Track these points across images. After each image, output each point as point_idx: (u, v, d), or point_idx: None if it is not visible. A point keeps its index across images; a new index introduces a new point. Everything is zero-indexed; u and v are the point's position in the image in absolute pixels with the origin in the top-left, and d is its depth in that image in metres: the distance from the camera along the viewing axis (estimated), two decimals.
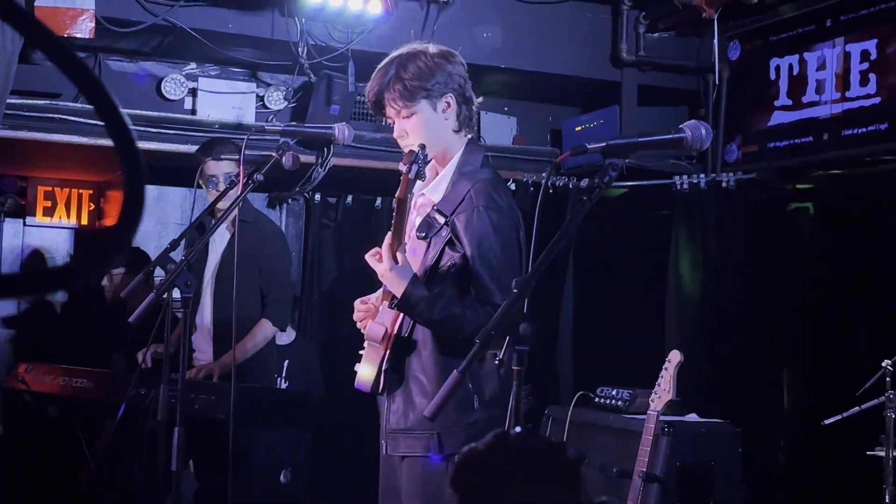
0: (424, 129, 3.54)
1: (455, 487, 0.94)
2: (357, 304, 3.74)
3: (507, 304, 2.59)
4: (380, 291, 3.62)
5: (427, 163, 3.42)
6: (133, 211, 0.82)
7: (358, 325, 3.69)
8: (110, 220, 8.06)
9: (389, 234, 3.43)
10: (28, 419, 6.14)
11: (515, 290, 2.60)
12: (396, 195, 3.41)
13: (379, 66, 3.65)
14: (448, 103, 3.59)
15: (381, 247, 3.40)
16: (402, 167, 3.42)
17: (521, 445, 0.93)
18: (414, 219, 3.60)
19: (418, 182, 3.59)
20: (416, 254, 3.52)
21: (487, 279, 3.41)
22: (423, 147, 3.40)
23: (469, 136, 3.71)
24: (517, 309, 2.59)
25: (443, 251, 3.45)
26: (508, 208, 3.55)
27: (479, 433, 3.18)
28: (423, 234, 3.47)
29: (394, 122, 3.64)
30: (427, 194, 3.58)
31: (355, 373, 3.68)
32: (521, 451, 0.93)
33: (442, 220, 3.43)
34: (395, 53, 3.67)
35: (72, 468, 5.88)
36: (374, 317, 3.60)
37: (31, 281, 0.82)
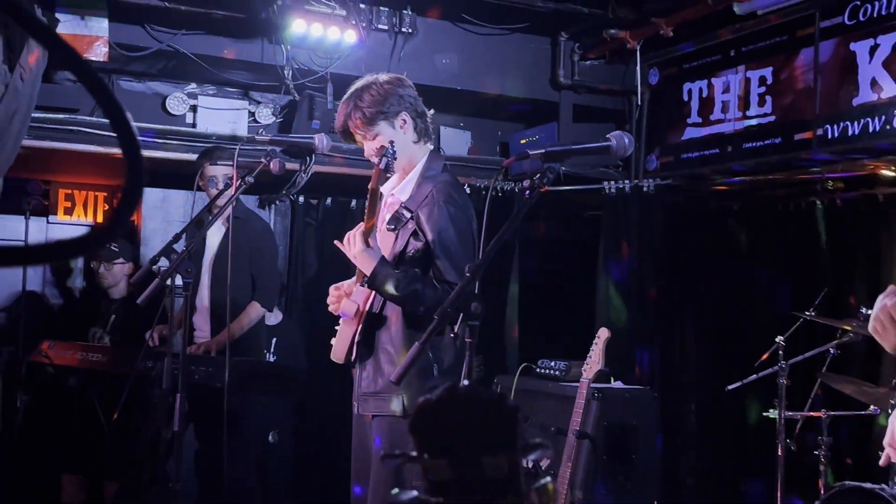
0: (393, 138, 3.57)
1: (413, 432, 0.93)
2: (331, 290, 3.75)
3: (462, 286, 2.61)
4: (353, 279, 3.63)
5: (395, 157, 3.43)
6: (132, 195, 0.81)
7: (331, 307, 3.70)
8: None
9: (363, 222, 3.45)
10: (50, 389, 6.07)
11: (468, 274, 2.61)
12: (369, 185, 3.43)
13: (340, 102, 3.71)
14: (404, 120, 3.60)
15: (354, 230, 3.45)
16: (375, 159, 3.48)
17: (467, 395, 0.92)
18: (384, 214, 3.60)
19: (388, 184, 3.62)
20: (386, 243, 3.53)
21: (445, 262, 3.43)
22: (392, 143, 3.45)
23: (430, 145, 3.72)
24: (470, 290, 2.61)
25: (409, 241, 3.47)
26: (464, 205, 3.58)
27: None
28: (392, 227, 3.50)
29: (365, 152, 3.66)
30: (396, 194, 3.61)
31: (332, 346, 3.70)
32: (468, 400, 0.92)
33: (408, 214, 3.46)
34: (351, 88, 3.71)
35: (91, 431, 5.82)
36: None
37: (51, 249, 0.82)
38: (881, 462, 2.40)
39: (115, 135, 0.82)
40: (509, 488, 0.94)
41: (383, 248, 3.52)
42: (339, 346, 3.62)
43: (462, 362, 2.65)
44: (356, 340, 3.59)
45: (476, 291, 2.60)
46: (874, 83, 5.34)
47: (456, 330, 2.58)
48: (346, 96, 3.68)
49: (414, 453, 0.95)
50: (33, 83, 5.47)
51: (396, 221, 3.48)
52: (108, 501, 5.94)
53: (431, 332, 2.55)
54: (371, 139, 3.59)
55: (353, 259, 3.48)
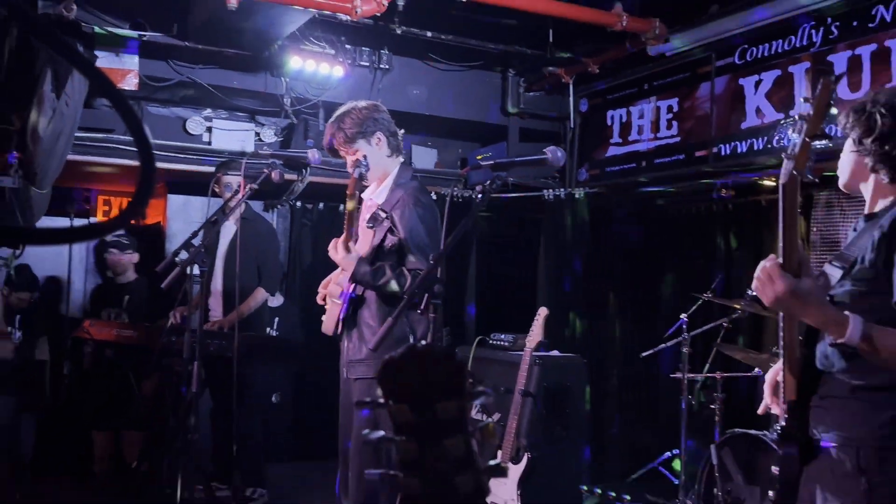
0: (369, 152, 3.58)
1: (380, 383, 0.94)
2: (320, 288, 3.79)
3: (427, 272, 2.62)
4: (338, 270, 3.65)
5: (368, 168, 3.46)
6: (144, 194, 0.82)
7: (318, 299, 3.73)
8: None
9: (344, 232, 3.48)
10: (91, 360, 6.02)
11: (432, 261, 2.62)
12: (347, 191, 3.47)
13: (327, 124, 3.74)
14: (379, 139, 3.61)
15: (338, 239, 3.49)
16: (351, 169, 3.52)
17: (424, 352, 0.93)
18: (365, 215, 3.61)
19: (367, 191, 3.65)
20: (367, 238, 3.53)
21: (416, 254, 3.44)
22: (364, 157, 3.48)
23: (401, 159, 3.73)
24: (433, 275, 2.61)
25: (386, 236, 3.47)
26: (430, 205, 3.60)
27: None
28: (371, 225, 3.50)
29: (347, 164, 3.66)
30: (374, 199, 3.62)
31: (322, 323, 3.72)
32: (424, 356, 0.93)
33: (384, 215, 3.47)
34: (336, 113, 3.73)
35: (123, 394, 5.81)
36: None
37: (75, 232, 0.83)
38: (759, 411, 2.42)
39: (136, 148, 0.83)
40: (458, 428, 0.95)
41: (364, 243, 3.53)
42: (329, 322, 3.64)
43: (432, 332, 2.68)
44: (342, 317, 3.59)
45: (439, 276, 2.60)
46: (758, 111, 5.42)
47: (422, 307, 2.58)
48: (331, 119, 3.70)
49: (381, 401, 0.96)
50: (76, 108, 5.41)
51: (374, 220, 3.49)
52: (129, 450, 5.94)
53: (402, 308, 2.56)
54: (352, 154, 3.59)
55: (338, 262, 3.50)
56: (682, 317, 4.93)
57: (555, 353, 5.46)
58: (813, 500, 2.17)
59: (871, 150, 2.15)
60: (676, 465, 5.29)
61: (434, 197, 6.85)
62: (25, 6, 4.88)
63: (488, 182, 2.78)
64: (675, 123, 6.04)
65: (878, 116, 2.14)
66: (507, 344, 5.47)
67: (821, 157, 2.25)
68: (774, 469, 2.19)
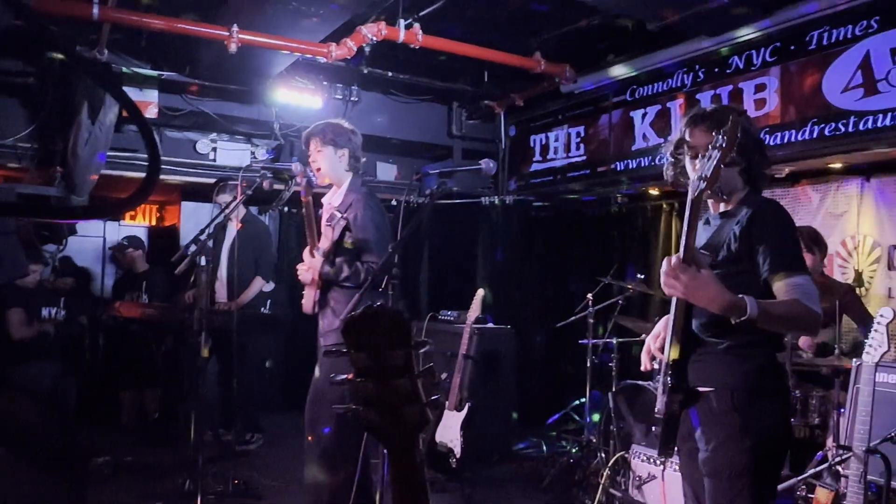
0: (327, 162, 3.50)
1: (343, 334, 0.95)
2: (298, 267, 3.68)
3: (387, 258, 2.58)
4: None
5: (311, 184, 3.48)
6: (145, 192, 0.82)
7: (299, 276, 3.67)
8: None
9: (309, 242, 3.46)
10: (120, 334, 5.92)
11: (391, 250, 2.59)
12: (302, 199, 3.46)
13: (319, 123, 3.65)
14: (343, 154, 3.51)
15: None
16: (301, 181, 3.50)
17: (378, 311, 0.94)
18: (325, 216, 3.52)
19: (327, 196, 3.62)
20: (328, 234, 3.45)
21: (369, 249, 3.35)
22: (318, 169, 3.50)
23: (354, 173, 3.62)
24: (391, 261, 2.59)
25: (343, 233, 3.40)
26: (378, 208, 3.50)
27: None
28: (330, 224, 3.40)
29: (310, 156, 3.58)
30: (332, 203, 3.52)
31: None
32: (378, 313, 0.94)
33: (339, 215, 3.37)
34: (330, 119, 3.67)
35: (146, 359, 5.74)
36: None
37: (82, 211, 0.84)
38: (642, 368, 2.43)
39: (148, 153, 0.83)
40: (405, 371, 0.96)
41: (325, 238, 3.45)
42: (307, 303, 3.61)
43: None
44: (315, 299, 3.57)
45: (396, 261, 2.58)
46: (644, 136, 5.53)
47: (382, 287, 2.57)
48: (324, 122, 3.65)
49: (345, 349, 0.97)
50: (108, 132, 5.34)
51: (332, 219, 3.41)
52: (150, 405, 5.86)
53: (366, 288, 2.54)
54: (317, 152, 3.52)
55: (308, 265, 3.46)
56: (588, 296, 4.98)
57: (489, 325, 5.49)
58: (691, 433, 2.18)
59: (735, 161, 2.18)
60: (581, 411, 5.35)
61: (394, 203, 6.93)
62: (74, 49, 4.76)
63: (436, 187, 2.78)
64: (582, 146, 6.12)
65: (749, 132, 2.19)
66: (452, 318, 5.48)
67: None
68: (657, 411, 2.13)
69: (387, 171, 6.89)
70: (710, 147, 2.01)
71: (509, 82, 6.34)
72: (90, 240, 7.19)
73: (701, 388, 2.10)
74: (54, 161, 5.42)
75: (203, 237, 3.68)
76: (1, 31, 4.47)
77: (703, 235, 2.26)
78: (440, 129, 6.82)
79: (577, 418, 5.63)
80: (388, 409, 0.95)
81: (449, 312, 5.61)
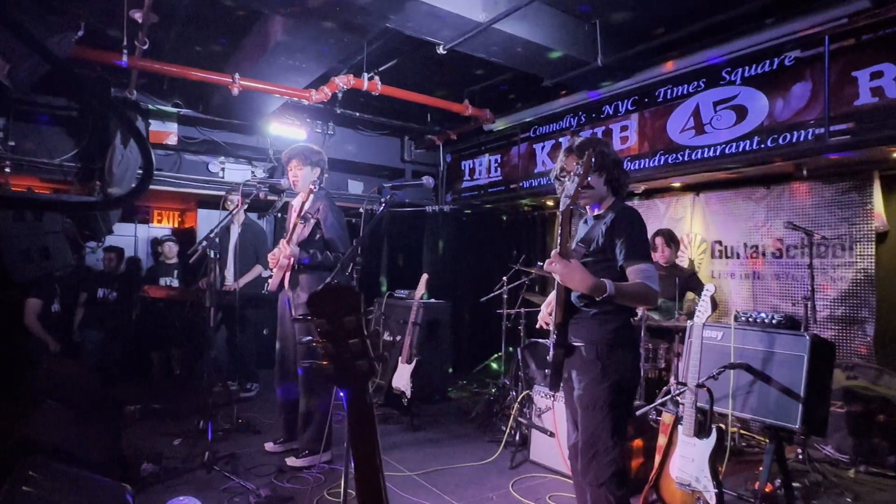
0: (303, 178, 3.42)
1: (308, 305, 0.90)
2: (269, 256, 3.57)
3: (353, 249, 2.51)
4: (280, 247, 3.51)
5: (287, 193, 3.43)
6: (141, 190, 0.76)
7: (270, 264, 3.55)
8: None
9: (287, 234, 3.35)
10: (149, 308, 5.64)
11: (355, 244, 2.52)
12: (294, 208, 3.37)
13: (301, 144, 3.56)
14: (318, 170, 3.45)
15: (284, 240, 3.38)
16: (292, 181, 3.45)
17: (336, 287, 0.90)
18: (293, 214, 3.44)
19: (297, 200, 3.53)
20: (299, 230, 3.36)
21: (336, 244, 3.30)
22: (293, 182, 3.43)
23: (321, 185, 3.55)
24: (355, 251, 2.52)
25: (313, 230, 3.32)
26: (339, 212, 3.44)
27: None
28: (303, 222, 3.32)
29: (291, 171, 3.48)
30: (304, 206, 3.44)
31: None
32: (336, 289, 0.90)
33: (310, 216, 3.29)
34: (310, 145, 3.58)
35: (169, 327, 5.48)
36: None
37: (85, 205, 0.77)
38: (537, 326, 2.44)
39: (142, 159, 0.76)
40: (357, 333, 0.92)
41: (298, 234, 3.36)
42: (274, 282, 3.51)
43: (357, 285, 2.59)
44: (287, 279, 3.44)
45: (359, 252, 2.52)
46: (543, 163, 5.58)
47: (349, 271, 2.50)
48: (302, 145, 3.56)
49: (310, 317, 0.92)
50: (137, 155, 5.06)
51: (304, 219, 3.33)
52: (174, 363, 5.63)
53: (337, 271, 2.46)
54: (298, 169, 3.45)
55: (286, 253, 3.37)
56: (504, 278, 4.99)
57: (432, 300, 5.47)
58: (570, 376, 2.19)
59: (605, 175, 2.20)
60: (498, 362, 5.40)
61: (361, 210, 6.81)
62: (99, 89, 4.47)
63: (389, 196, 2.72)
64: (499, 169, 6.15)
65: (606, 154, 2.21)
66: (404, 296, 5.43)
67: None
68: (548, 359, 2.19)
69: (355, 187, 6.76)
70: (572, 173, 2.05)
71: (446, 122, 6.31)
72: (125, 238, 6.83)
73: (575, 343, 2.14)
74: (94, 177, 5.12)
75: (211, 235, 3.52)
76: (46, 77, 4.18)
77: (583, 231, 2.28)
78: (395, 156, 6.73)
79: (496, 367, 5.66)
80: (344, 363, 0.91)
81: (402, 291, 5.56)
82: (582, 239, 2.24)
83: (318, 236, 3.39)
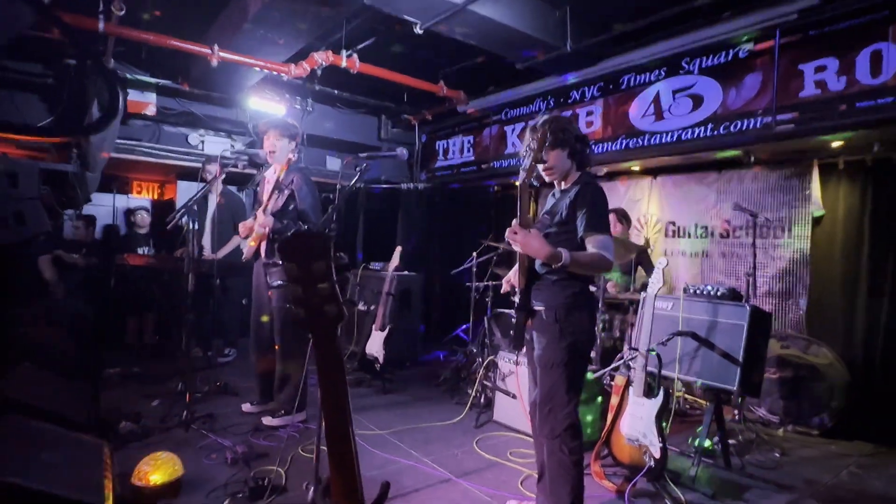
0: (281, 149, 3.35)
1: (280, 252, 0.88)
2: (241, 226, 3.51)
3: (327, 216, 2.47)
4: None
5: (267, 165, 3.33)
6: (109, 117, 0.72)
7: (241, 233, 3.48)
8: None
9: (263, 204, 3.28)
10: (128, 275, 5.49)
11: (330, 210, 2.48)
12: (262, 177, 3.33)
13: (279, 118, 3.47)
14: (294, 143, 3.39)
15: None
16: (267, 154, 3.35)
17: (305, 233, 0.88)
18: (267, 187, 3.38)
19: (269, 171, 3.44)
20: (273, 200, 3.31)
21: (309, 214, 3.24)
22: (269, 153, 3.33)
23: (295, 156, 3.48)
24: (329, 219, 2.48)
25: (286, 201, 3.26)
26: (313, 184, 3.38)
27: None
28: (276, 193, 3.26)
29: (267, 141, 3.40)
30: (277, 178, 3.38)
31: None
32: (306, 234, 0.88)
33: (283, 186, 3.24)
34: (288, 120, 3.48)
35: (148, 295, 5.33)
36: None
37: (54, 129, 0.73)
38: (501, 291, 2.47)
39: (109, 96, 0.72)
40: (326, 278, 0.91)
41: (273, 205, 3.31)
42: (249, 251, 3.46)
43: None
44: (265, 248, 3.38)
45: (334, 220, 2.48)
46: (513, 144, 5.57)
47: None
48: (283, 120, 3.47)
49: (281, 262, 0.90)
50: (115, 124, 4.84)
51: (279, 190, 3.28)
52: (149, 328, 5.50)
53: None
54: (276, 140, 3.36)
55: (261, 222, 3.31)
56: (473, 254, 4.99)
57: (405, 272, 5.46)
58: (531, 339, 2.23)
59: (568, 150, 2.21)
60: (467, 331, 5.44)
61: (339, 186, 6.72)
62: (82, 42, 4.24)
63: (364, 165, 2.68)
64: (472, 149, 6.11)
65: (568, 130, 2.22)
66: (378, 268, 5.41)
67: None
68: (513, 321, 2.26)
69: (333, 164, 6.64)
70: (527, 148, 2.07)
71: (422, 102, 6.22)
72: (103, 207, 6.58)
73: (537, 307, 2.18)
74: (71, 144, 4.89)
75: (189, 204, 3.42)
76: (27, 40, 3.93)
77: (550, 203, 2.31)
78: (372, 134, 6.61)
79: (464, 336, 5.71)
80: (313, 307, 0.89)
81: (376, 263, 5.53)
82: (548, 211, 2.27)
83: (291, 207, 3.33)
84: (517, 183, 2.08)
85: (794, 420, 3.73)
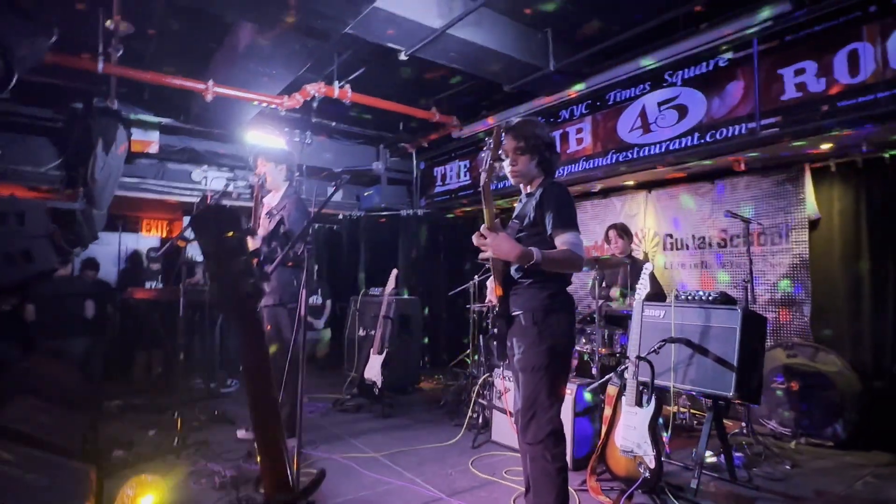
0: (272, 174, 3.42)
1: (192, 226, 0.89)
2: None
3: (304, 228, 2.48)
4: None
5: (263, 183, 3.40)
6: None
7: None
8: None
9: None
10: (133, 308, 5.56)
11: (306, 224, 2.49)
12: (253, 194, 3.35)
13: (263, 147, 3.55)
14: (283, 168, 3.45)
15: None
16: (256, 179, 3.40)
17: (215, 206, 0.89)
18: (264, 211, 3.42)
19: (268, 198, 3.51)
20: (265, 225, 3.36)
21: (294, 232, 3.26)
22: (265, 174, 3.39)
23: (289, 182, 3.54)
24: (307, 231, 2.49)
25: (277, 226, 3.29)
26: (305, 209, 3.41)
27: (295, 291, 3.09)
28: (269, 217, 3.31)
29: (258, 168, 3.47)
30: (272, 203, 3.44)
31: None
32: (215, 208, 0.89)
33: (276, 211, 3.29)
34: (278, 147, 3.57)
35: (151, 328, 5.37)
36: None
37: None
38: (486, 302, 2.46)
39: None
40: (239, 252, 0.92)
41: (263, 227, 3.37)
42: None
43: (304, 266, 2.53)
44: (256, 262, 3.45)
45: (310, 234, 2.50)
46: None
47: (300, 252, 2.46)
48: (268, 147, 3.58)
49: (193, 237, 0.91)
50: (119, 162, 5.03)
51: (270, 215, 3.33)
52: (155, 363, 5.52)
53: (287, 250, 2.44)
54: (263, 165, 3.44)
55: (251, 244, 3.34)
56: (475, 276, 4.93)
57: (405, 296, 5.45)
58: (512, 345, 2.19)
59: (537, 157, 2.23)
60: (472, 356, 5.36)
61: (340, 217, 6.82)
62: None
63: (340, 180, 2.70)
64: (468, 174, 6.17)
65: (539, 136, 2.24)
66: (377, 293, 5.38)
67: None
68: (493, 331, 2.21)
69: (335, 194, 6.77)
70: (484, 149, 2.10)
71: (418, 131, 6.35)
72: (111, 247, 6.75)
73: (515, 313, 2.15)
74: (78, 183, 5.07)
75: (174, 240, 3.49)
76: (35, 85, 4.14)
77: (518, 208, 2.31)
78: (371, 164, 6.72)
79: (467, 360, 5.62)
80: (228, 283, 0.90)
81: (376, 289, 5.52)
82: (516, 215, 2.26)
83: (281, 231, 3.38)
84: (480, 186, 2.09)
85: (806, 431, 3.57)
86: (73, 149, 5.10)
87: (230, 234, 0.88)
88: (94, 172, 4.92)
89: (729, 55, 3.75)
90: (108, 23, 3.54)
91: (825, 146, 3.62)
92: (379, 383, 4.33)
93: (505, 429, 3.51)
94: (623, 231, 4.36)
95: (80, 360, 5.12)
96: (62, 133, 5.09)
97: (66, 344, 5.11)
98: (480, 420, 3.79)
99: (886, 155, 3.58)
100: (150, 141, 5.33)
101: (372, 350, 4.53)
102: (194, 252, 3.97)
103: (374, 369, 4.41)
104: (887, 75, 3.02)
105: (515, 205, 2.36)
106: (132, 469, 3.04)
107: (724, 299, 3.00)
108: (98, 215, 5.32)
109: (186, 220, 6.62)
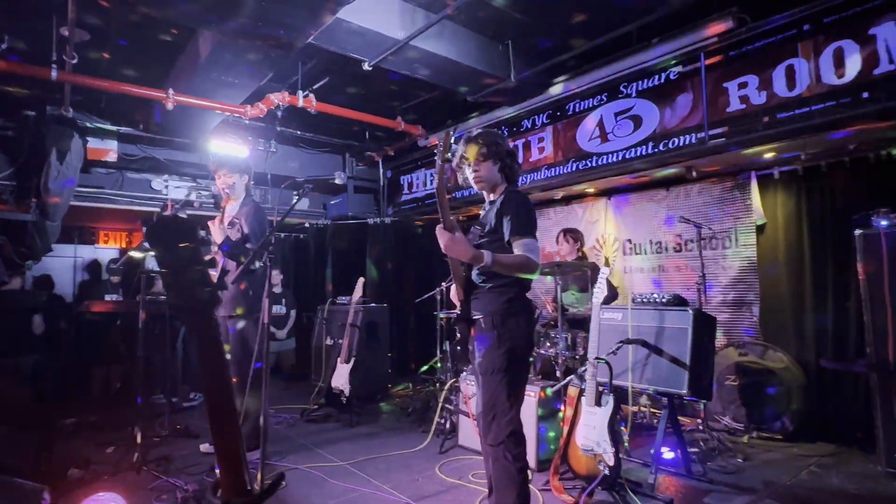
0: (236, 186, 3.39)
1: (147, 237, 0.91)
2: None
3: (265, 238, 2.47)
4: None
5: (229, 194, 3.37)
6: None
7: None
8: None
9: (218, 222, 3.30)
10: (90, 322, 5.37)
11: (267, 234, 2.49)
12: (222, 204, 3.34)
13: (224, 157, 3.51)
14: (246, 178, 3.43)
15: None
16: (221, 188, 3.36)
17: (170, 217, 0.91)
18: (225, 221, 3.36)
19: (229, 206, 3.46)
20: (223, 232, 3.30)
21: (250, 237, 3.21)
22: (232, 185, 3.38)
23: (247, 192, 3.52)
24: (269, 240, 2.49)
25: (238, 230, 3.26)
26: (263, 215, 3.37)
27: (254, 303, 3.06)
28: (230, 227, 3.26)
29: (220, 179, 3.43)
30: (232, 212, 3.39)
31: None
32: (170, 218, 0.91)
33: (236, 220, 3.25)
34: (240, 157, 3.54)
35: (110, 342, 5.20)
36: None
37: None
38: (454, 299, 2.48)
39: None
40: (195, 262, 0.94)
41: (221, 235, 3.32)
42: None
43: (265, 275, 2.52)
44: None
45: (272, 243, 2.49)
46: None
47: (263, 261, 2.46)
48: (229, 157, 3.53)
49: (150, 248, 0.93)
50: (74, 171, 4.88)
51: (231, 225, 3.27)
52: (115, 377, 5.33)
53: (250, 261, 2.43)
54: (228, 177, 3.40)
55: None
56: (442, 283, 4.98)
57: (372, 304, 5.45)
58: (473, 348, 2.22)
59: (499, 164, 2.29)
60: (441, 363, 5.38)
61: (307, 225, 6.75)
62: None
63: (302, 189, 2.71)
64: (434, 182, 6.24)
65: (500, 144, 2.31)
66: (345, 301, 5.37)
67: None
68: (458, 334, 2.25)
69: (300, 203, 6.71)
70: (435, 151, 2.17)
71: (383, 140, 6.38)
72: (66, 259, 6.51)
73: (475, 316, 2.20)
74: (30, 194, 4.89)
75: (129, 251, 3.41)
76: None
77: (481, 215, 2.37)
78: (334, 173, 6.73)
79: (440, 367, 5.64)
80: (184, 291, 0.92)
81: (343, 298, 5.51)
82: (479, 221, 2.32)
83: (243, 234, 3.35)
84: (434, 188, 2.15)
85: (757, 426, 3.74)
86: (25, 158, 4.92)
87: (185, 244, 0.90)
88: (47, 182, 4.76)
89: (679, 69, 3.94)
90: (62, 30, 3.46)
91: (769, 155, 3.83)
92: (347, 392, 4.31)
93: (471, 433, 3.56)
94: (573, 235, 4.46)
95: (29, 377, 4.91)
96: (13, 142, 4.91)
97: (15, 361, 4.89)
98: (448, 425, 3.82)
99: (822, 163, 3.82)
100: (108, 149, 5.20)
101: (339, 359, 4.51)
102: (154, 263, 3.90)
103: (341, 378, 4.39)
104: (820, 89, 3.23)
105: (479, 211, 2.42)
106: (89, 487, 2.95)
107: (677, 301, 3.13)
108: (52, 227, 5.14)
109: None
